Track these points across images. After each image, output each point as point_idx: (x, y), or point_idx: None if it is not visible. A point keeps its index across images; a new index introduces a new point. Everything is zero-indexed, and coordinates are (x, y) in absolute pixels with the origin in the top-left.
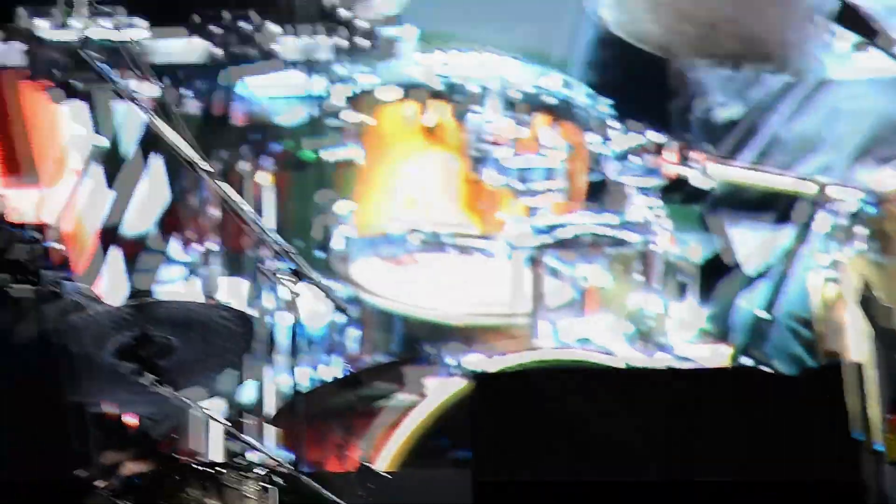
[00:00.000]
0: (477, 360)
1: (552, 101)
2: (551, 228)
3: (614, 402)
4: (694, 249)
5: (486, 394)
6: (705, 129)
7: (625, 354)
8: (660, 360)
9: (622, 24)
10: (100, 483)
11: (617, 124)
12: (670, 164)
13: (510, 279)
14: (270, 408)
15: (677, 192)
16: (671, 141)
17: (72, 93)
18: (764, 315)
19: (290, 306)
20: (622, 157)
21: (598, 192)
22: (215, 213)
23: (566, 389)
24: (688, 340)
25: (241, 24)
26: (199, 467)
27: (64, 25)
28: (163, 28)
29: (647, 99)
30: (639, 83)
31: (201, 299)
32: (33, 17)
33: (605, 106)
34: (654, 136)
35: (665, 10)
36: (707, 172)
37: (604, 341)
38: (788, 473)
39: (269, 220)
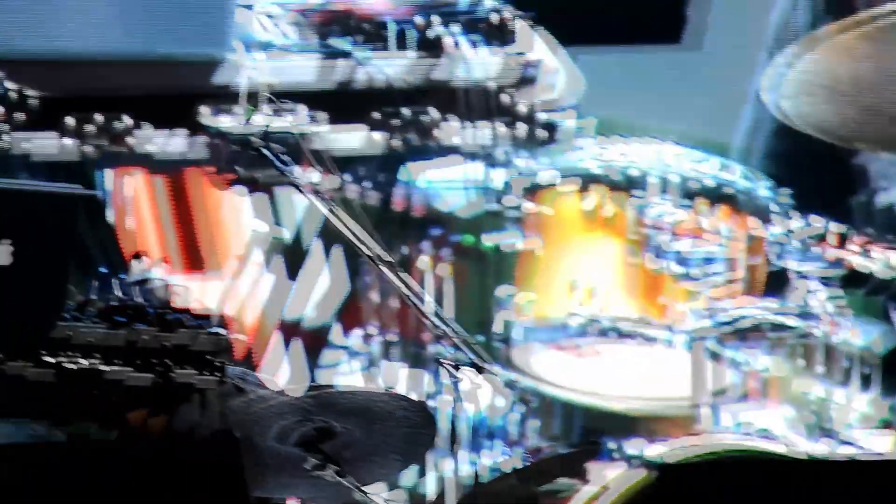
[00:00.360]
0: (658, 450)
1: (731, 190)
2: (729, 318)
3: (796, 493)
4: (876, 341)
5: (668, 484)
6: (888, 221)
7: (806, 446)
8: (842, 452)
9: (803, 116)
10: None
11: (797, 215)
12: (852, 255)
13: (688, 368)
14: (451, 500)
15: (859, 283)
16: (852, 232)
17: (253, 186)
18: None
19: (470, 397)
20: (802, 247)
21: (777, 282)
22: (395, 304)
23: (748, 480)
24: (870, 432)
25: (420, 117)
26: None
27: (247, 122)
28: (342, 123)
29: (828, 190)
30: (820, 174)
31: (381, 390)
32: (217, 114)
33: (785, 196)
34: (834, 227)
35: (847, 103)
36: (890, 263)
37: (784, 432)
38: None
39: (447, 310)
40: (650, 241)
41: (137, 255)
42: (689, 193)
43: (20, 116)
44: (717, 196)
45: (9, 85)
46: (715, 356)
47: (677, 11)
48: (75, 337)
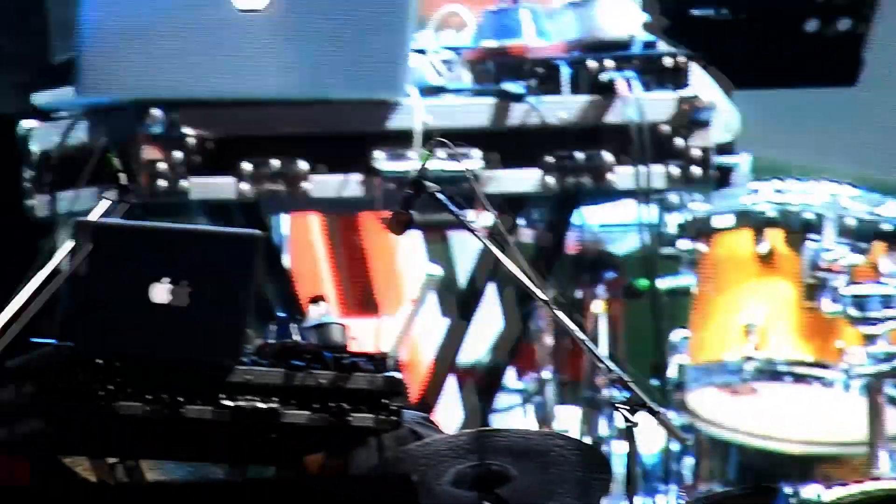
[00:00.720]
0: (815, 490)
1: (890, 228)
2: (891, 357)
3: None
4: None
5: None
6: None
7: None
8: None
9: None
10: None
11: None
12: None
13: (848, 408)
14: None
15: None
16: None
17: (427, 229)
18: None
19: (626, 435)
20: None
21: None
22: (550, 340)
23: None
24: None
25: (593, 159)
26: None
27: (423, 166)
28: (515, 166)
29: None
30: None
31: (555, 433)
32: (391, 157)
33: None
34: None
35: None
36: None
37: None
38: None
39: (603, 348)
40: (826, 284)
41: (313, 299)
42: (866, 236)
43: (197, 160)
44: (876, 233)
45: (185, 129)
46: (893, 401)
47: (854, 53)
48: (253, 379)
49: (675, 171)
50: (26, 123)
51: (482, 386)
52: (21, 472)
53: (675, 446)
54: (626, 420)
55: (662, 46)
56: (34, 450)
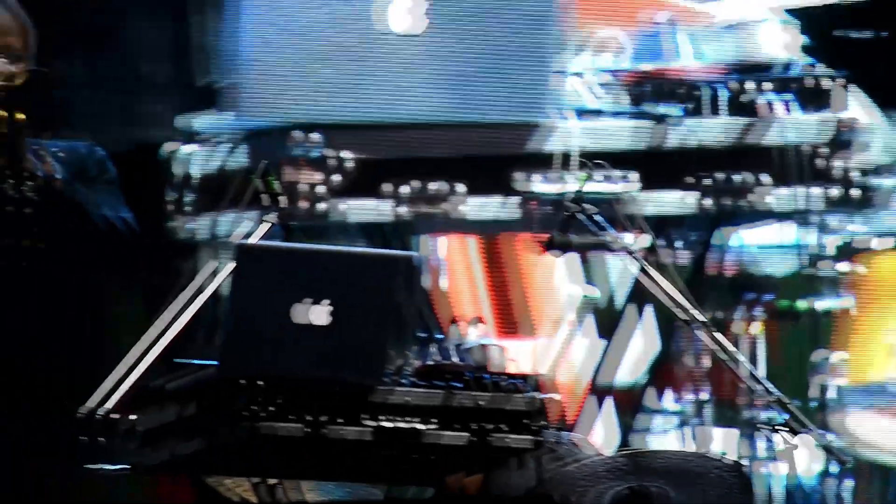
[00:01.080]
0: None
1: None
2: None
3: None
4: None
5: None
6: None
7: None
8: None
9: None
10: None
11: None
12: None
13: None
14: None
15: None
16: None
17: (567, 249)
18: None
19: (785, 457)
20: None
21: None
22: (706, 363)
23: None
24: None
25: (734, 179)
26: None
27: (580, 189)
28: (656, 186)
29: None
30: None
31: (696, 452)
32: (531, 178)
33: None
34: None
35: None
36: None
37: None
38: None
39: (760, 370)
40: None
41: (454, 319)
42: None
43: (338, 181)
44: None
45: (328, 150)
46: None
47: None
48: (394, 398)
49: (833, 192)
50: (170, 146)
51: (622, 405)
52: (184, 494)
53: (834, 469)
54: (786, 442)
55: (820, 68)
56: (196, 471)
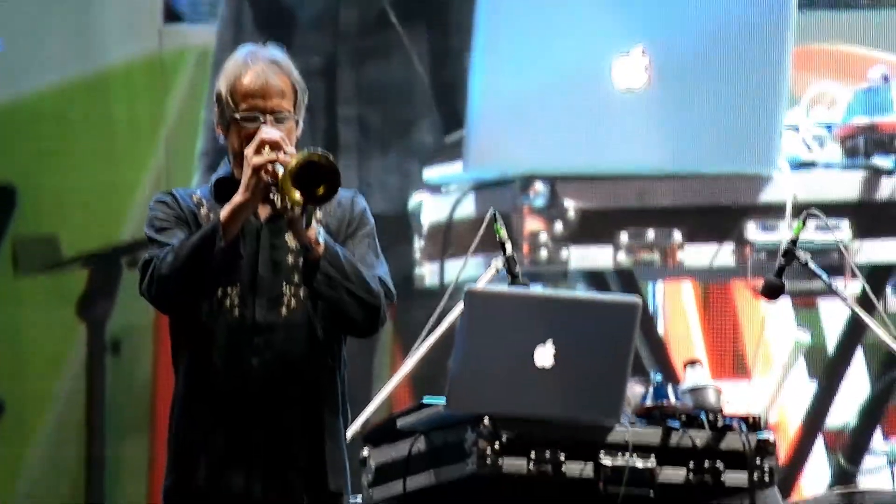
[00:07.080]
0: None
1: None
2: None
3: None
4: None
5: None
6: None
7: None
8: None
9: None
10: None
11: None
12: None
13: None
14: None
15: None
16: None
17: (796, 297)
18: None
19: None
20: None
21: None
22: None
23: None
24: None
25: None
26: None
27: (796, 237)
28: (882, 236)
29: None
30: None
31: None
32: (762, 228)
33: None
34: None
35: None
36: None
37: None
38: None
39: None
40: None
41: (689, 363)
42: None
43: (575, 230)
44: None
45: (566, 201)
46: None
47: None
48: (629, 438)
49: None
50: (417, 197)
51: (849, 448)
52: None
53: None
54: None
55: None
56: None
